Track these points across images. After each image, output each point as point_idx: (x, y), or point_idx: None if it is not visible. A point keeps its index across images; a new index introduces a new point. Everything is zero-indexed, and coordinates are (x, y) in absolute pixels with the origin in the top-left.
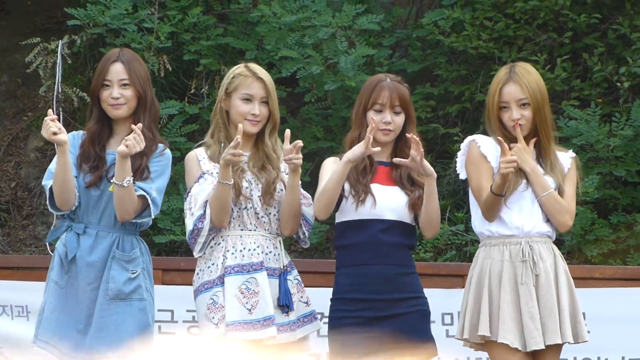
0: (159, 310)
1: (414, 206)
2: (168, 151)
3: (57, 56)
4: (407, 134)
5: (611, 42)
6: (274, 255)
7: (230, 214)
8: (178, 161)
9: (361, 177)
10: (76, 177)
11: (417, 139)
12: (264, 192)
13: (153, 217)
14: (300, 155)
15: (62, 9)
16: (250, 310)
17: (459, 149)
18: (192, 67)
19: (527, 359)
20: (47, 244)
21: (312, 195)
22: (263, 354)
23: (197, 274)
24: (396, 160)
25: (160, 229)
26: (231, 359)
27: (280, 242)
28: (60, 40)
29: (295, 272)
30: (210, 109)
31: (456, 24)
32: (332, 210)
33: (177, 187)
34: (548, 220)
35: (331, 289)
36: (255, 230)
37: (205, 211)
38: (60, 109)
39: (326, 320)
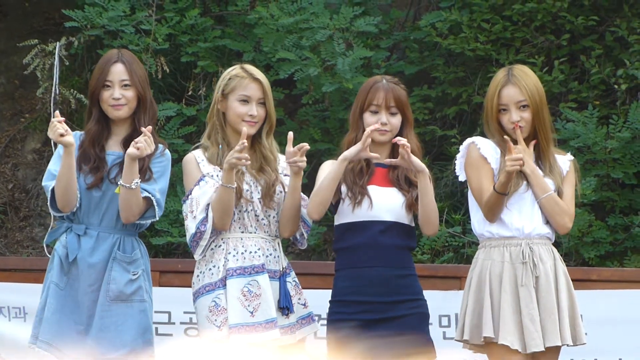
0: (156, 312)
1: (412, 206)
2: (168, 151)
3: (54, 58)
4: (392, 139)
5: (609, 44)
6: (274, 257)
7: (231, 217)
8: (175, 163)
9: (358, 178)
10: (77, 178)
11: (403, 140)
12: (263, 195)
13: (157, 218)
14: (305, 159)
15: (59, 10)
16: (252, 312)
17: (457, 151)
18: (190, 69)
19: None
20: (44, 245)
21: None
22: (265, 356)
23: (197, 276)
24: (387, 160)
25: (158, 231)
26: None
27: (279, 244)
28: (57, 42)
29: (293, 273)
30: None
31: (454, 26)
32: (325, 210)
33: (174, 188)
34: (547, 222)
35: (329, 291)
36: (255, 232)
37: (207, 214)
38: (58, 111)
39: (324, 322)
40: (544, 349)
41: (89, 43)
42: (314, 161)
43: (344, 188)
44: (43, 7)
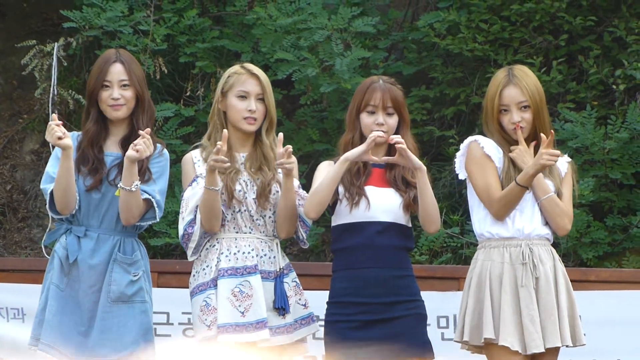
0: (154, 313)
1: (409, 207)
2: (166, 151)
3: (52, 58)
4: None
5: (607, 44)
6: (269, 258)
7: (220, 219)
8: (173, 164)
9: (355, 179)
10: (75, 179)
11: (397, 137)
12: (258, 195)
13: (157, 220)
14: (292, 160)
15: (57, 11)
16: (243, 313)
17: (455, 152)
18: (188, 70)
19: None
20: (42, 246)
21: None
22: (257, 356)
23: (193, 275)
24: (384, 158)
25: (156, 232)
26: None
27: (277, 245)
28: (55, 43)
29: (293, 274)
30: (206, 111)
31: (452, 27)
32: (323, 210)
33: (172, 189)
34: (547, 223)
35: (326, 292)
36: (250, 232)
37: (195, 216)
38: (56, 112)
39: (321, 323)
40: (544, 350)
41: (87, 44)
42: (312, 161)
43: (341, 189)
44: (41, 8)
